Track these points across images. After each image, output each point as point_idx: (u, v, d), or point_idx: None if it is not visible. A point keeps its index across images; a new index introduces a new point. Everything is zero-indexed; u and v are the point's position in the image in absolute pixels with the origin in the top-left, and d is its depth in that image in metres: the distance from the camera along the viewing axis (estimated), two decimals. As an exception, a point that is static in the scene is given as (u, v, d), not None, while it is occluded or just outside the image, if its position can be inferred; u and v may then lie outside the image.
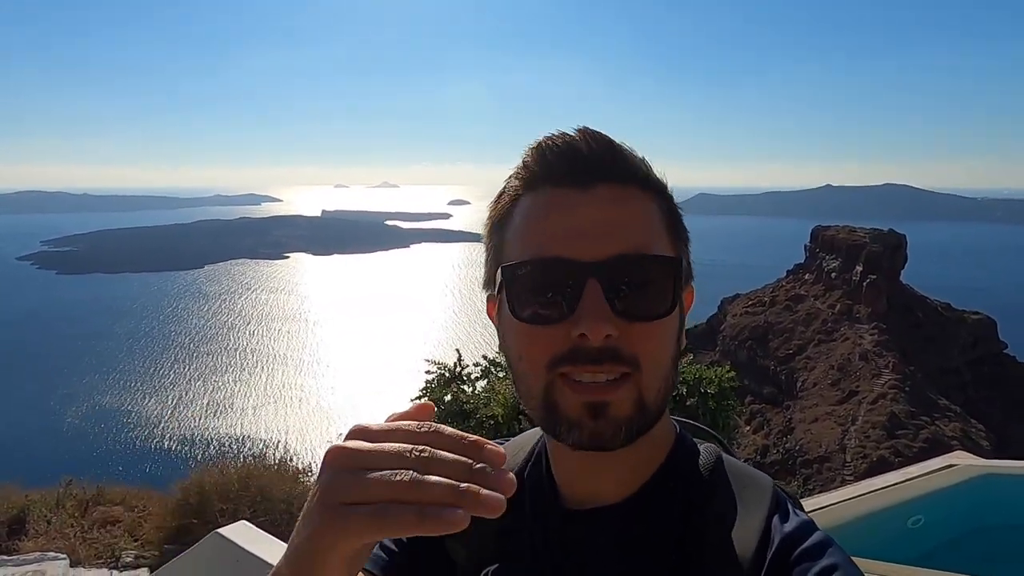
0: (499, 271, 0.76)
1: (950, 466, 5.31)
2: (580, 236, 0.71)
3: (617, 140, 0.77)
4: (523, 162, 0.78)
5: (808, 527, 0.73)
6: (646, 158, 0.79)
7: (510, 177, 0.80)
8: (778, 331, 69.93)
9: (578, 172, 0.74)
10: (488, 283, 0.81)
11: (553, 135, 0.76)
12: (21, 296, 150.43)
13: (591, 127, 0.76)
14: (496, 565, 0.83)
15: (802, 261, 78.48)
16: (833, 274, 72.20)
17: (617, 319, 0.69)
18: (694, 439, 0.87)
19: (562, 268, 0.71)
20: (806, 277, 76.09)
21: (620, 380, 0.70)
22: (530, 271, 0.73)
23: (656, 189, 0.78)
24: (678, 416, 0.94)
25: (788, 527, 0.72)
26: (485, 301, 0.83)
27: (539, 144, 0.77)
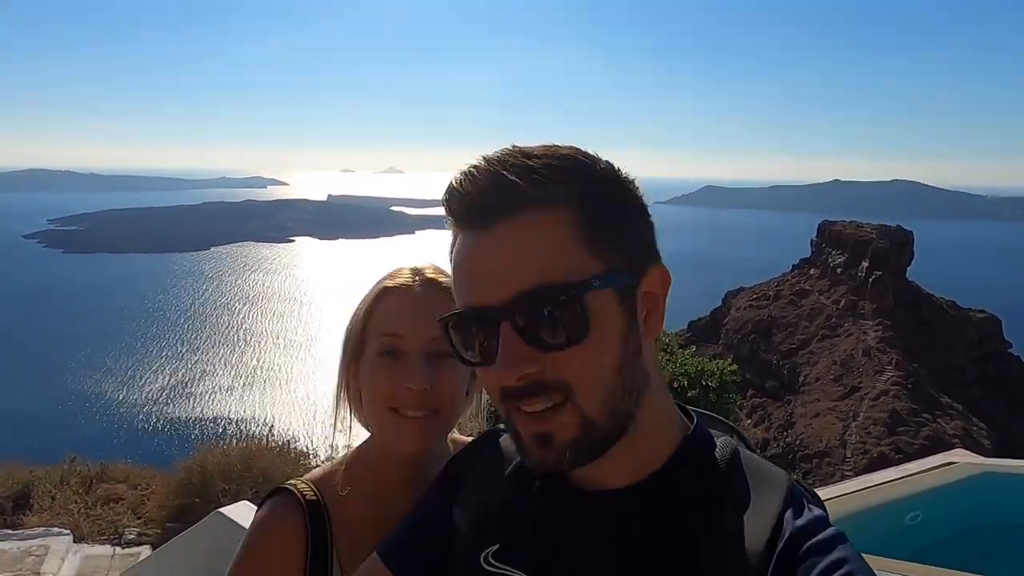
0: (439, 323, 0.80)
1: (949, 464, 5.33)
2: (487, 279, 0.73)
3: (520, 154, 0.75)
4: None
5: (820, 522, 0.73)
6: (573, 150, 0.77)
7: None
8: (782, 325, 69.81)
9: (475, 214, 0.75)
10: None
11: (460, 172, 0.77)
12: (27, 274, 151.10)
13: (489, 154, 0.76)
14: (496, 546, 0.85)
15: (808, 256, 78.16)
16: (839, 269, 71.92)
17: (536, 353, 0.71)
18: (713, 432, 0.87)
19: (478, 315, 0.74)
20: (811, 272, 75.80)
21: (558, 407, 0.72)
22: (456, 321, 0.77)
23: (566, 199, 0.74)
24: (712, 413, 0.95)
25: (800, 521, 0.72)
26: None
27: (449, 184, 0.78)
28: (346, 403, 1.25)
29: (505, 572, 0.83)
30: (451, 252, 0.81)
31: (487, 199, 0.74)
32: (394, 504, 1.13)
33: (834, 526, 0.73)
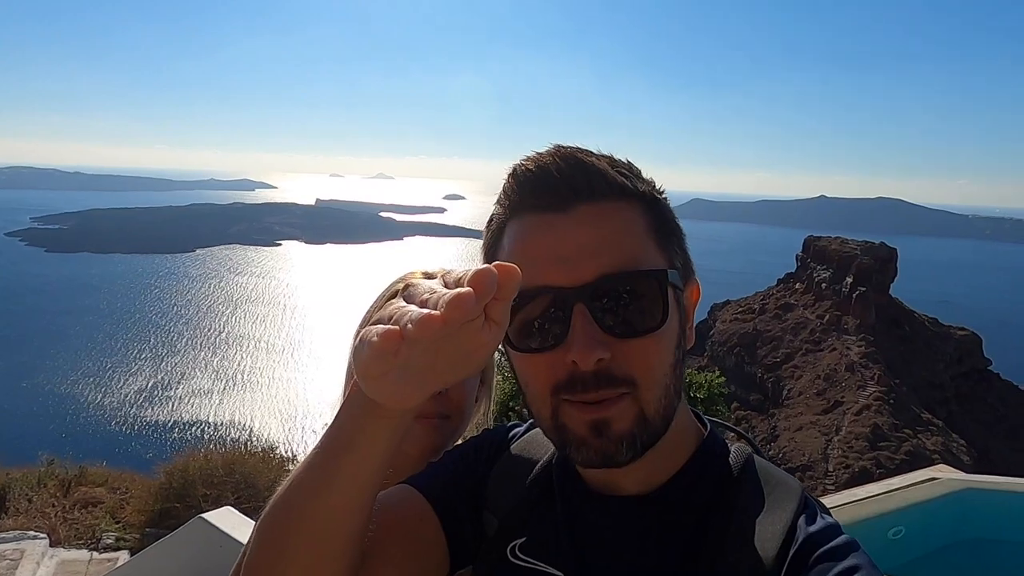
0: None
1: (932, 479, 5.36)
2: (563, 261, 0.72)
3: (594, 152, 0.78)
4: (503, 189, 0.80)
5: (834, 529, 0.74)
6: (631, 161, 0.80)
7: (495, 204, 0.82)
8: (767, 339, 70.34)
9: (554, 195, 0.75)
10: None
11: (527, 158, 0.78)
12: (7, 272, 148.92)
13: (563, 145, 0.78)
14: (523, 539, 0.87)
15: (793, 270, 78.92)
16: (823, 284, 72.69)
17: (609, 339, 0.71)
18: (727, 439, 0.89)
19: (549, 296, 0.72)
20: (797, 286, 76.55)
21: (619, 397, 0.72)
22: (520, 302, 0.71)
23: (639, 197, 0.77)
24: (725, 422, 0.96)
25: (813, 528, 0.73)
26: None
27: (514, 170, 0.78)
28: None
29: (532, 565, 0.84)
30: (495, 238, 0.81)
31: (573, 181, 0.75)
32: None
33: (847, 534, 0.73)
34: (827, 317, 69.79)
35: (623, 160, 0.79)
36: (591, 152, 0.78)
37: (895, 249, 71.72)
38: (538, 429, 0.97)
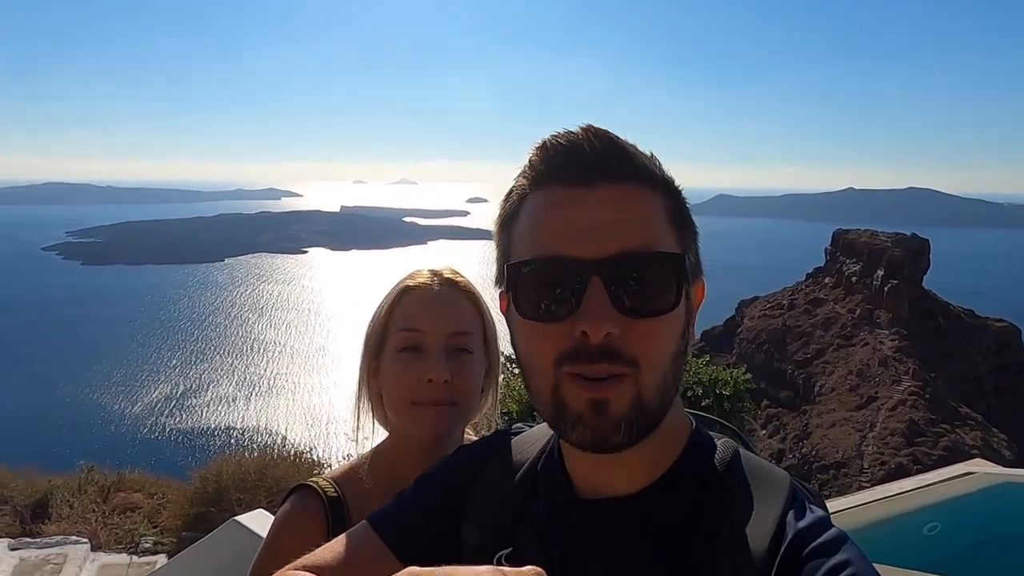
0: (506, 269, 0.79)
1: (968, 474, 5.26)
2: (584, 234, 0.73)
3: (621, 137, 0.78)
4: (529, 161, 0.80)
5: (823, 523, 0.73)
6: (654, 153, 0.80)
7: (518, 176, 0.81)
8: (796, 335, 69.25)
9: (582, 171, 0.75)
10: (499, 280, 0.83)
11: (558, 133, 0.78)
12: (45, 285, 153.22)
13: (595, 125, 0.78)
14: (509, 549, 0.86)
15: (822, 264, 77.60)
16: (854, 278, 71.33)
17: (619, 316, 0.71)
18: (711, 433, 0.88)
19: (566, 266, 0.72)
20: (826, 281, 75.23)
21: (620, 377, 0.72)
22: (535, 269, 0.75)
23: (662, 185, 0.78)
24: (713, 416, 0.95)
25: (802, 523, 0.72)
26: (498, 298, 0.86)
27: (544, 143, 0.78)
28: (366, 399, 1.30)
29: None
30: (513, 210, 0.81)
31: (603, 159, 0.75)
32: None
33: (836, 526, 0.73)
34: (858, 311, 68.48)
35: (648, 151, 0.80)
36: (620, 137, 0.78)
37: (927, 240, 70.11)
38: (525, 434, 0.99)
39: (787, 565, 0.69)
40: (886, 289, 66.92)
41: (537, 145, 0.79)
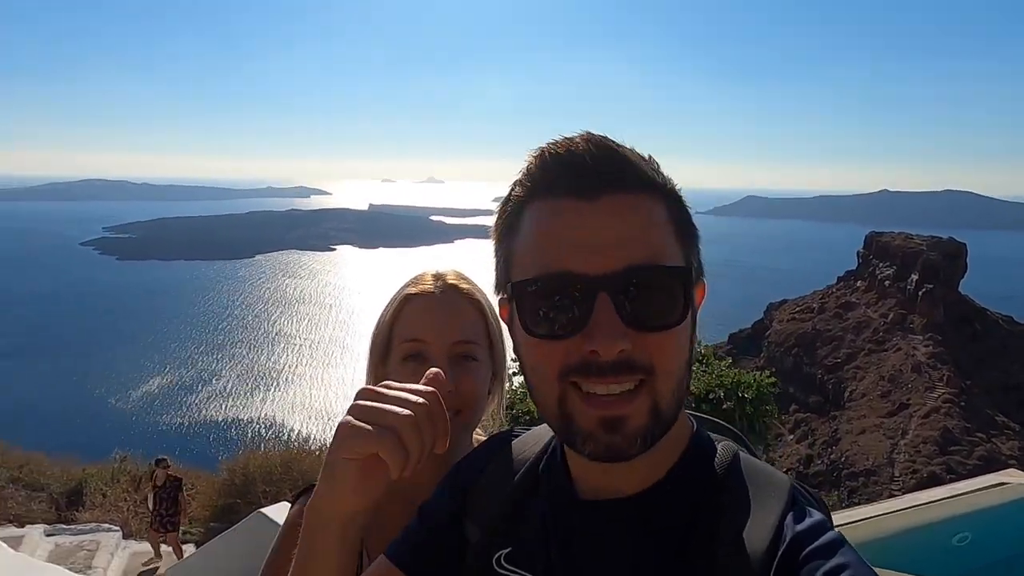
0: (510, 287, 0.77)
1: (1002, 484, 5.12)
2: (588, 249, 0.71)
3: (620, 144, 0.76)
4: (527, 169, 0.77)
5: (821, 527, 0.72)
6: (653, 158, 0.78)
7: (515, 183, 0.79)
8: (826, 339, 67.96)
9: (583, 182, 0.73)
10: (499, 287, 0.82)
11: (556, 142, 0.76)
12: (83, 279, 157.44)
13: (594, 132, 0.76)
14: (508, 549, 0.86)
15: (854, 268, 76.03)
16: (887, 282, 69.74)
17: (629, 331, 0.70)
18: (712, 435, 0.88)
19: (572, 282, 0.71)
20: (858, 284, 73.69)
21: (635, 390, 0.71)
22: (539, 287, 0.73)
23: (663, 192, 0.76)
24: (715, 419, 0.94)
25: (800, 526, 0.72)
26: (498, 304, 0.85)
27: (542, 151, 0.76)
28: None
29: (517, 575, 0.84)
30: (512, 219, 0.79)
31: (604, 169, 0.73)
32: (418, 502, 1.19)
33: (835, 530, 0.73)
34: (891, 316, 66.95)
35: (646, 155, 0.78)
36: (619, 143, 0.76)
37: (964, 244, 68.19)
38: (526, 435, 0.99)
39: (784, 567, 0.69)
40: (920, 293, 65.29)
41: (535, 153, 0.77)
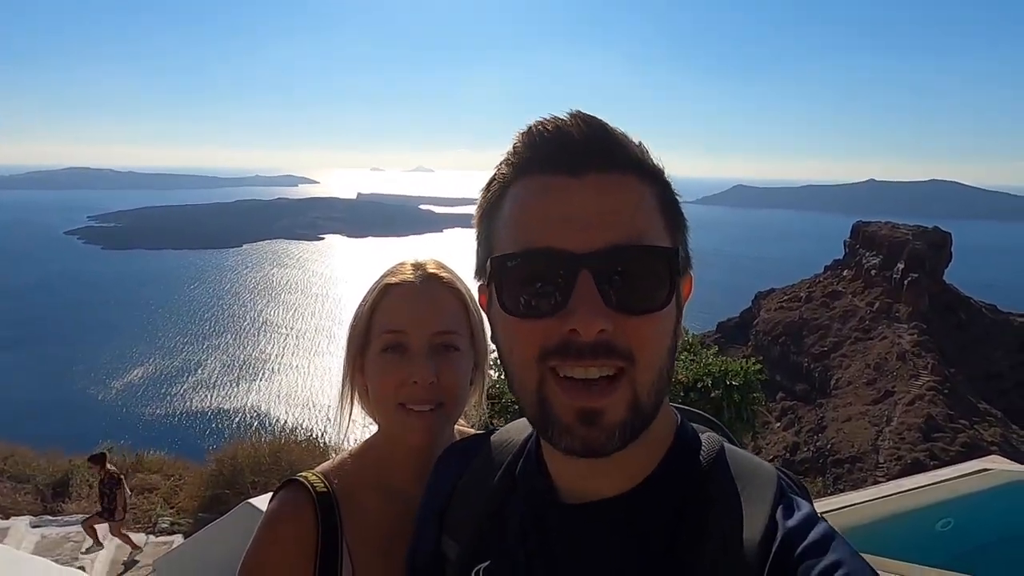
0: (488, 262, 0.75)
1: (984, 470, 5.20)
2: (572, 225, 0.69)
3: (611, 125, 0.74)
4: (513, 147, 0.75)
5: (811, 521, 0.71)
6: (643, 143, 0.76)
7: (500, 163, 0.77)
8: (813, 327, 68.55)
9: (570, 158, 0.71)
10: (479, 272, 0.79)
11: (544, 119, 0.73)
12: (67, 269, 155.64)
13: (584, 111, 0.73)
14: (487, 562, 0.83)
15: (841, 257, 76.61)
16: (873, 271, 70.37)
17: (611, 312, 0.67)
18: (695, 427, 0.85)
19: (553, 259, 0.68)
20: (845, 273, 74.29)
21: (614, 379, 0.68)
22: (520, 263, 0.71)
23: (652, 175, 0.74)
24: (701, 408, 0.91)
25: (791, 522, 0.70)
26: (477, 291, 0.82)
27: (529, 128, 0.74)
28: (349, 400, 1.27)
29: None
30: (495, 200, 0.76)
31: (592, 146, 0.71)
32: (404, 496, 1.17)
33: (825, 522, 0.71)
34: (877, 305, 67.60)
35: (636, 139, 0.75)
36: (609, 123, 0.74)
37: (949, 233, 68.88)
38: (501, 433, 0.96)
39: (779, 566, 0.67)
40: (906, 283, 65.96)
41: (522, 131, 0.75)
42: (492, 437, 0.96)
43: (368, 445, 1.27)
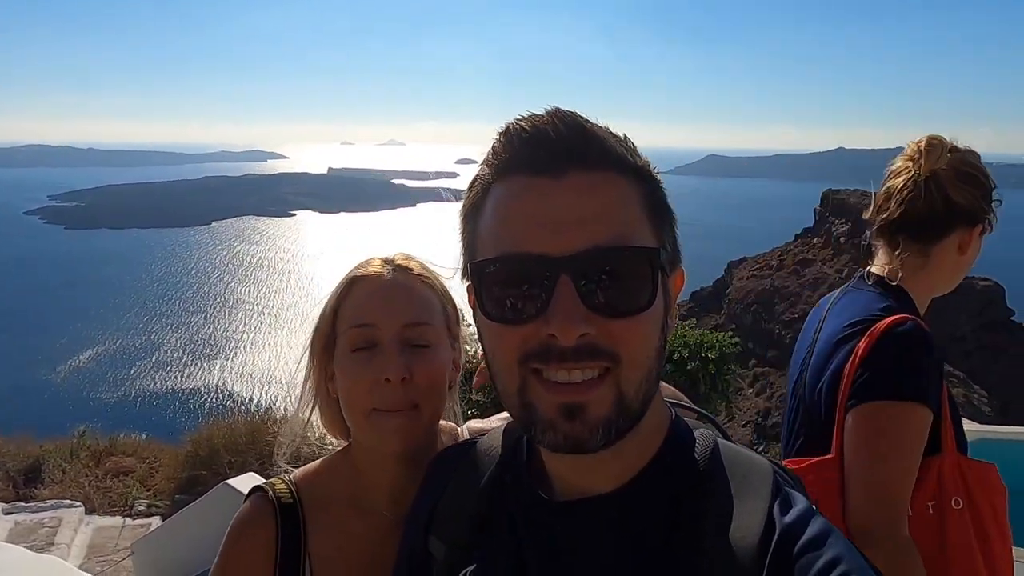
0: (469, 267, 0.74)
1: (948, 431, 5.35)
2: (551, 228, 0.67)
3: (591, 120, 0.72)
4: (492, 148, 0.74)
5: (808, 516, 0.70)
6: (627, 136, 0.75)
7: (481, 163, 0.76)
8: (784, 295, 69.84)
9: (549, 159, 0.70)
10: (464, 273, 0.78)
11: (521, 118, 0.72)
12: (29, 251, 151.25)
13: (562, 108, 0.73)
14: (473, 566, 0.81)
15: (811, 225, 77.83)
16: (842, 239, 71.65)
17: (592, 316, 0.66)
18: (689, 422, 0.84)
19: (532, 264, 0.68)
20: (815, 241, 75.50)
21: (598, 379, 0.68)
22: (499, 268, 0.70)
23: (636, 171, 0.73)
24: (676, 380, 0.93)
25: (788, 518, 0.69)
26: (465, 292, 0.79)
27: (507, 128, 0.73)
28: (309, 408, 1.20)
29: None
30: (477, 200, 0.75)
31: (570, 145, 0.70)
32: (377, 513, 1.12)
33: (822, 516, 0.70)
34: (845, 272, 68.98)
35: (620, 134, 0.74)
36: (590, 120, 0.73)
37: (916, 200, 70.31)
38: (490, 433, 0.95)
39: (778, 562, 0.66)
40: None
41: (500, 130, 0.74)
42: (483, 438, 0.95)
43: (343, 453, 1.20)
